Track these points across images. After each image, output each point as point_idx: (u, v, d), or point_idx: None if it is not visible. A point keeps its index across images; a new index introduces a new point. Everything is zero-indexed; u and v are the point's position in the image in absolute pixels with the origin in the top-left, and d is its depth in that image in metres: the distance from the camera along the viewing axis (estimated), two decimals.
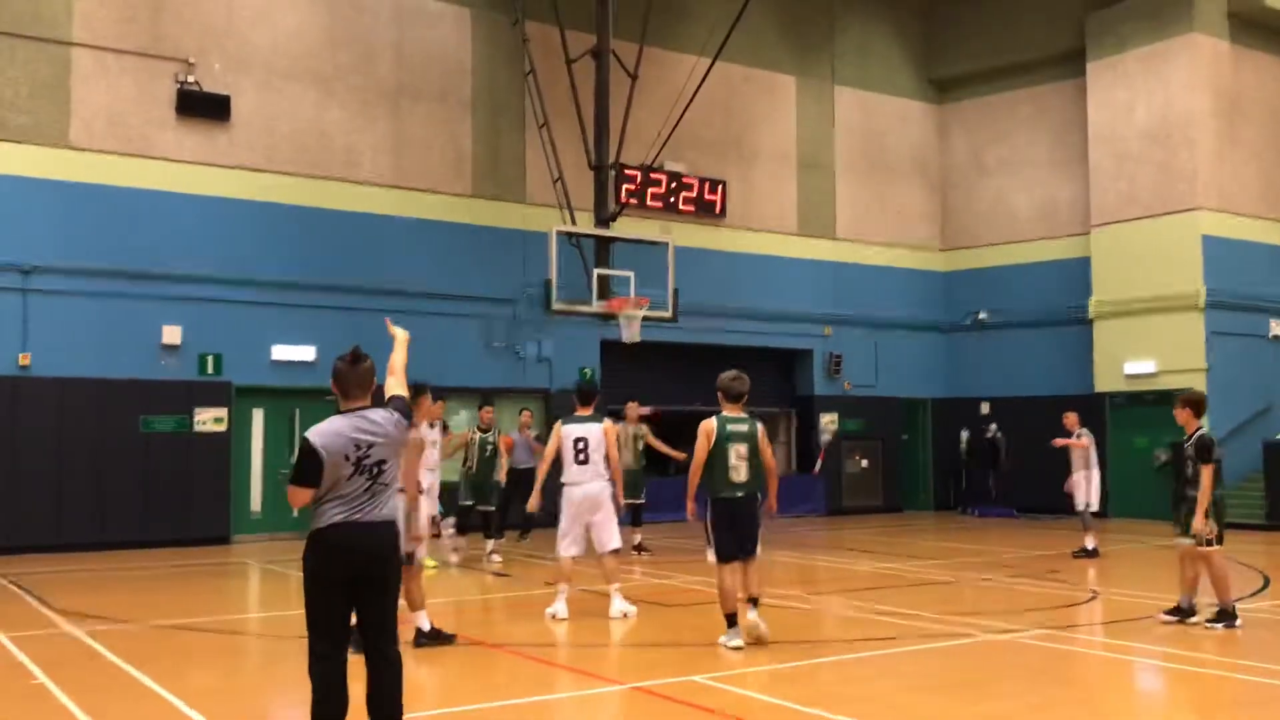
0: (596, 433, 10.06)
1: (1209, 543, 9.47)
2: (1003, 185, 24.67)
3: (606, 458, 10.11)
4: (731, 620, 8.73)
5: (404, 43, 19.24)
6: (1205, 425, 9.89)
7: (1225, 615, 9.54)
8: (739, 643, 8.66)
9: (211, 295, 17.27)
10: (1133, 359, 21.76)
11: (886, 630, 9.65)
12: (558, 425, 10.26)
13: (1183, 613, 9.74)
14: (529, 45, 19.12)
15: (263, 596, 13.03)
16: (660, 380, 21.44)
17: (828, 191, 24.02)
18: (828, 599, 11.83)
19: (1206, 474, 9.34)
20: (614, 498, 10.33)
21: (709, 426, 8.79)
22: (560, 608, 10.09)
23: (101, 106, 16.71)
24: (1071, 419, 16.05)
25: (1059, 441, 15.81)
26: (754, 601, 8.96)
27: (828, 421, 23.63)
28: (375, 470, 5.39)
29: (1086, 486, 15.57)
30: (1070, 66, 23.24)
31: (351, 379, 5.50)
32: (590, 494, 10.10)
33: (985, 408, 24.26)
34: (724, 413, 8.90)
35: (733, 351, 22.67)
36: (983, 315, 24.63)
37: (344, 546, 5.32)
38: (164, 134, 17.15)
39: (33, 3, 16.28)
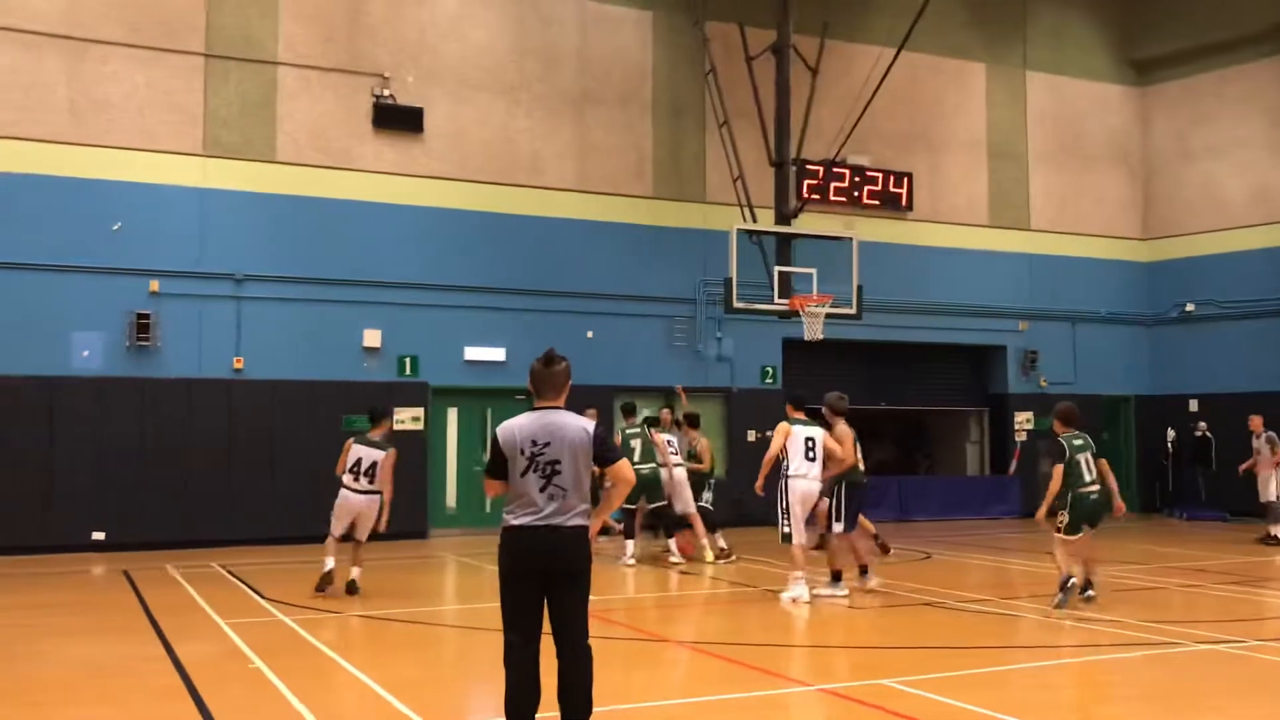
0: (820, 434, 11.25)
1: (1058, 529, 10.55)
2: (1210, 170, 23.29)
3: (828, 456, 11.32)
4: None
5: (587, 49, 19.59)
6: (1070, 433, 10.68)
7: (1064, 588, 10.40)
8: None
9: (408, 300, 18.00)
10: None
11: (1084, 637, 9.30)
12: (785, 425, 11.26)
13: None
14: (709, 45, 19.19)
15: (459, 589, 13.52)
16: (844, 379, 20.98)
17: (1021, 181, 23.21)
18: (1023, 603, 11.45)
19: (1054, 472, 10.46)
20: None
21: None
22: (801, 590, 10.92)
23: (305, 122, 17.64)
24: (1256, 422, 17.37)
25: (1245, 467, 17.20)
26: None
27: (1023, 420, 22.85)
28: (549, 470, 5.54)
29: (1275, 482, 17.05)
30: None
31: (545, 379, 5.74)
32: (814, 488, 11.16)
33: (1194, 405, 22.97)
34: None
35: (920, 349, 22.21)
36: (1190, 307, 23.32)
37: (525, 547, 5.52)
38: (363, 146, 17.98)
39: (243, 28, 17.32)
